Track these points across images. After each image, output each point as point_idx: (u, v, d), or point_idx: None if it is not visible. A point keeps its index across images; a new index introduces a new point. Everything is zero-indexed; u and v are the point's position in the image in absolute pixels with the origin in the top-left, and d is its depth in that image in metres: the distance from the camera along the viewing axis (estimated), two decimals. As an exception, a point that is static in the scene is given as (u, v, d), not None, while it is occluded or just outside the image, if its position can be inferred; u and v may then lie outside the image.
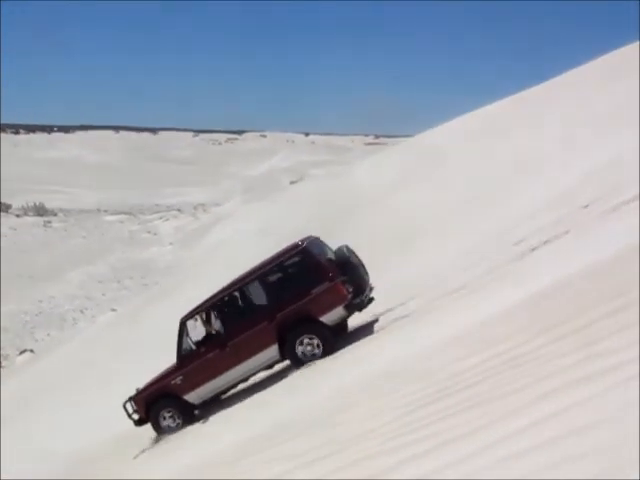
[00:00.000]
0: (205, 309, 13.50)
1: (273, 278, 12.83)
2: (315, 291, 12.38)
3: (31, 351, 31.74)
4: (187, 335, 13.53)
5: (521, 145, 25.72)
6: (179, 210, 58.41)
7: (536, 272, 10.73)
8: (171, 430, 13.59)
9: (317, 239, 13.46)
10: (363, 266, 13.31)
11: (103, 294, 37.96)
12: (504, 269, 13.24)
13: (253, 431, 10.12)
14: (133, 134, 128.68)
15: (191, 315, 13.63)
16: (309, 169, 73.16)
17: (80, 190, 71.08)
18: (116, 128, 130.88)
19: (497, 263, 14.20)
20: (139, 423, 14.07)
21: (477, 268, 14.74)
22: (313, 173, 65.54)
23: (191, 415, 13.63)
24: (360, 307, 13.00)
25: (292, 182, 60.25)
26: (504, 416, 4.60)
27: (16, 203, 58.31)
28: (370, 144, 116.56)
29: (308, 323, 12.47)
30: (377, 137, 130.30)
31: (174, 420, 13.67)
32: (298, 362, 12.58)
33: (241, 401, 14.31)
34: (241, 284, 13.19)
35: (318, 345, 12.48)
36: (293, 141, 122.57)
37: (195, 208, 59.31)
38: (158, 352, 22.89)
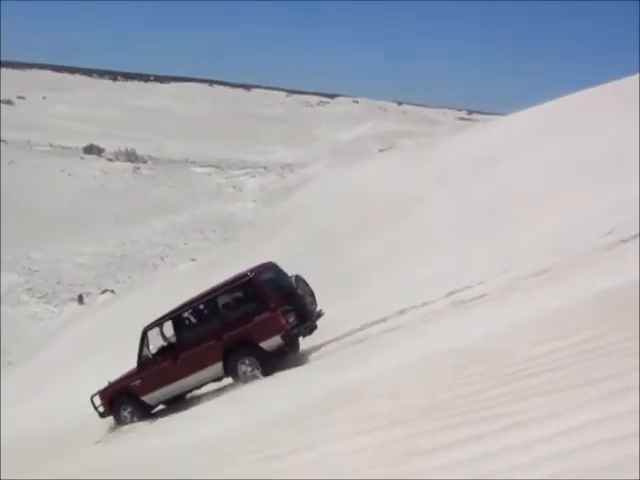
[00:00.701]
0: (163, 322, 14.69)
1: (223, 302, 13.89)
2: (257, 319, 13.48)
3: (112, 291, 32.70)
4: (147, 343, 14.76)
5: (616, 137, 24.71)
6: (265, 168, 58.82)
7: (623, 264, 10.44)
8: (130, 421, 15.05)
9: (274, 266, 14.55)
10: (311, 295, 14.18)
11: (185, 243, 38.71)
12: (590, 258, 12.94)
13: (319, 392, 10.21)
14: (227, 89, 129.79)
15: (152, 326, 14.82)
16: (398, 139, 72.45)
17: (171, 140, 72.24)
18: (210, 82, 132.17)
19: (585, 251, 13.88)
20: (102, 415, 15.50)
21: (562, 254, 14.45)
22: (402, 143, 64.95)
23: (147, 413, 14.92)
24: (299, 335, 14.08)
25: (381, 150, 59.89)
26: (578, 406, 4.52)
27: (109, 147, 59.71)
28: (462, 119, 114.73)
29: (249, 347, 13.51)
30: (470, 113, 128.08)
31: (131, 417, 15.04)
32: (239, 380, 13.61)
33: (309, 362, 14.48)
34: (196, 304, 14.31)
35: (257, 367, 13.50)
36: (385, 109, 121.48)
37: (282, 167, 59.63)
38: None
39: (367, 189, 31.28)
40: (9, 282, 32.87)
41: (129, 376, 15.09)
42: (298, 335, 14.06)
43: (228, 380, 14.72)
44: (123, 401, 15.04)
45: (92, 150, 59.57)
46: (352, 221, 27.97)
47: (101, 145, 59.95)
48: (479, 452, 4.50)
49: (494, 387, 6.02)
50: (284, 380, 13.77)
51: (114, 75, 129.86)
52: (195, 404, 14.54)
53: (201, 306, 14.27)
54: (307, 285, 14.22)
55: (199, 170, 57.11)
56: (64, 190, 47.44)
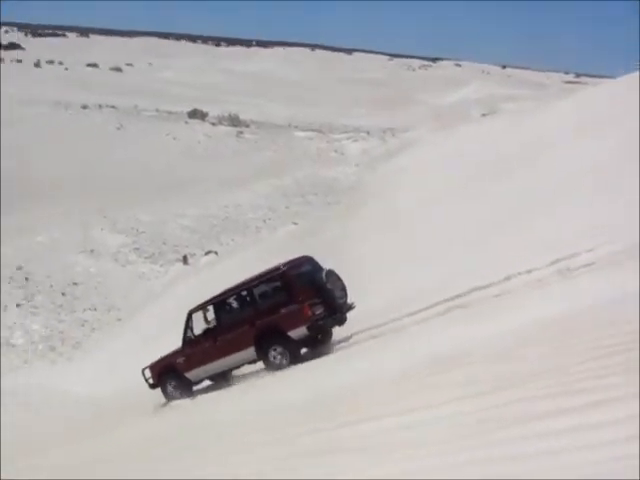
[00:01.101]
0: (207, 306, 15.88)
1: (258, 291, 15.04)
2: (286, 309, 14.47)
3: (215, 253, 33.32)
4: (191, 325, 15.95)
5: None
6: (367, 132, 58.52)
7: None
8: (174, 397, 16.14)
9: (309, 260, 15.51)
10: (342, 289, 15.03)
11: (287, 207, 39.02)
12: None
13: (422, 357, 10.14)
14: (328, 53, 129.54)
15: (196, 309, 16.13)
16: (502, 103, 70.71)
17: (273, 104, 72.79)
18: (312, 46, 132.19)
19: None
20: (152, 387, 16.77)
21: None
22: (505, 107, 63.33)
23: (189, 389, 16.10)
24: (325, 327, 14.96)
25: (483, 114, 58.65)
26: None
27: (212, 112, 60.61)
28: (569, 82, 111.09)
29: (278, 335, 14.48)
30: (578, 76, 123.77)
31: (176, 390, 16.22)
32: (270, 365, 14.61)
33: (412, 326, 14.43)
34: (235, 292, 15.57)
35: (286, 354, 14.46)
36: (488, 73, 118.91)
37: (384, 132, 59.19)
38: (336, 267, 23.45)
39: (469, 153, 30.76)
40: (118, 242, 33.94)
41: (175, 353, 16.30)
42: (324, 326, 14.89)
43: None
44: (169, 376, 16.26)
45: (196, 115, 60.61)
46: (454, 185, 27.59)
47: (205, 110, 60.92)
48: (580, 423, 4.36)
49: (599, 357, 5.81)
50: (385, 344, 13.79)
51: (218, 41, 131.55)
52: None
53: (239, 294, 15.44)
54: (339, 280, 15.04)
55: (301, 134, 57.32)
56: (169, 154, 48.54)
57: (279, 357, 14.51)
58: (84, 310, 29.26)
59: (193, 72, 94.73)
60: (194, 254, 33.44)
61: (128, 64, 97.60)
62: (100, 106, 61.75)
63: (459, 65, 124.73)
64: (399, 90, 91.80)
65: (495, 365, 7.41)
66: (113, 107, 62.20)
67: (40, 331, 27.89)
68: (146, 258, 33.02)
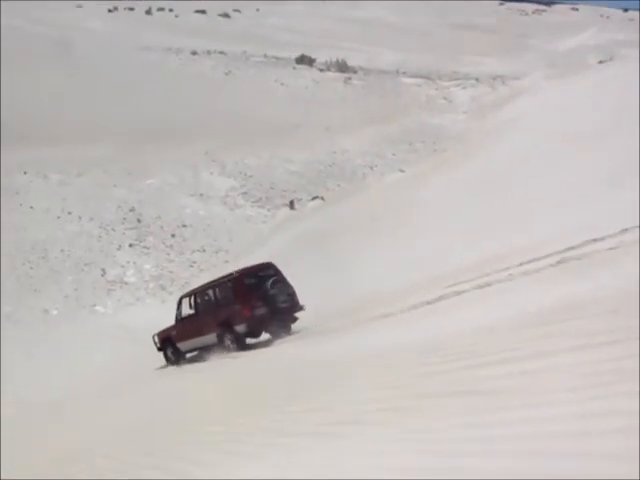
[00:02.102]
0: (191, 295, 19.23)
1: (220, 291, 18.16)
2: (233, 309, 17.47)
3: (322, 198, 33.44)
4: (181, 307, 19.20)
5: None
6: (477, 79, 57.08)
7: None
8: (172, 361, 19.51)
9: (267, 267, 18.32)
10: (288, 294, 17.69)
11: (393, 154, 38.69)
12: None
13: (534, 307, 9.87)
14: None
15: (184, 296, 19.60)
16: (621, 49, 67.51)
17: (381, 50, 71.79)
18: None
19: None
20: (158, 350, 19.84)
21: None
22: (625, 53, 60.44)
23: (182, 356, 19.31)
24: (264, 325, 17.64)
25: (600, 61, 56.21)
26: None
27: (320, 58, 60.32)
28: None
29: (229, 327, 17.52)
30: None
31: (173, 356, 19.51)
32: (224, 349, 17.42)
33: (524, 276, 14.07)
34: (207, 288, 18.82)
35: (234, 341, 17.43)
36: (608, 17, 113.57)
37: (494, 79, 57.57)
38: (442, 217, 23.15)
39: (584, 102, 29.56)
40: (227, 186, 34.52)
41: (171, 327, 19.45)
42: (263, 325, 17.62)
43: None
44: (168, 344, 19.55)
45: (304, 60, 60.48)
46: (569, 137, 26.58)
47: (313, 56, 60.69)
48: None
49: None
50: (497, 291, 13.52)
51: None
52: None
53: (209, 291, 18.59)
54: (286, 286, 17.68)
55: (409, 81, 56.44)
56: (277, 99, 48.72)
57: (229, 343, 17.54)
58: (193, 251, 29.99)
59: (301, 18, 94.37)
60: (300, 199, 33.65)
61: (236, 10, 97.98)
62: (209, 52, 62.38)
63: (576, 9, 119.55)
64: (511, 36, 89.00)
65: (609, 318, 7.07)
66: (222, 53, 62.72)
67: (151, 271, 28.80)
68: (254, 202, 33.47)
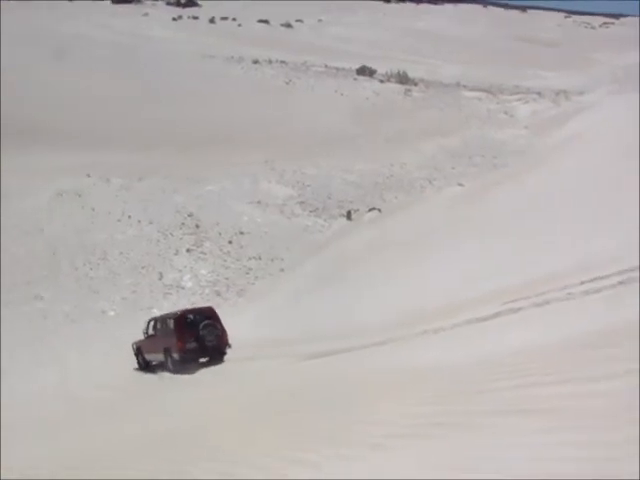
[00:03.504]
0: (154, 319, 22.52)
1: (167, 323, 21.55)
2: (173, 339, 20.81)
3: (379, 210, 33.38)
4: (149, 327, 22.27)
5: None
6: (539, 94, 56.39)
7: None
8: (142, 368, 22.37)
9: (207, 310, 22.04)
10: (216, 336, 20.85)
11: (452, 167, 38.45)
12: None
13: (596, 326, 9.71)
14: (501, 11, 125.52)
15: (151, 319, 22.66)
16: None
17: (442, 63, 71.53)
18: (484, 3, 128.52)
19: None
20: (135, 356, 22.58)
21: None
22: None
23: (148, 365, 22.17)
24: (194, 357, 20.85)
25: (670, 77, 54.98)
26: None
27: (381, 69, 60.35)
28: None
29: (169, 353, 20.96)
30: None
31: (142, 363, 22.39)
32: (167, 368, 21.10)
33: (586, 295, 13.85)
34: (163, 317, 22.27)
35: (173, 364, 20.88)
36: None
37: (557, 94, 56.77)
38: (501, 232, 22.88)
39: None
40: (285, 195, 34.73)
41: (142, 340, 22.29)
42: (193, 357, 20.78)
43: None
44: (139, 352, 22.44)
45: (364, 71, 60.60)
46: (633, 153, 26.03)
47: (373, 67, 60.76)
48: None
49: None
50: (555, 310, 13.34)
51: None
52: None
53: (162, 321, 21.95)
54: (215, 329, 20.89)
55: (470, 94, 56.07)
56: (337, 110, 48.86)
57: (170, 365, 20.92)
58: (249, 259, 30.22)
59: (362, 29, 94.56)
60: (357, 210, 33.65)
61: (298, 20, 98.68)
62: (270, 61, 62.94)
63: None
64: (576, 50, 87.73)
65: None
66: (283, 62, 63.23)
67: (207, 276, 29.11)
68: (311, 211, 33.59)
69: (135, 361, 22.57)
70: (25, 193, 33.11)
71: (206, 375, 20.00)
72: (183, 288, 28.40)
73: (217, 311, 25.47)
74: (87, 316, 25.93)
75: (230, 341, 21.98)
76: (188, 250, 30.40)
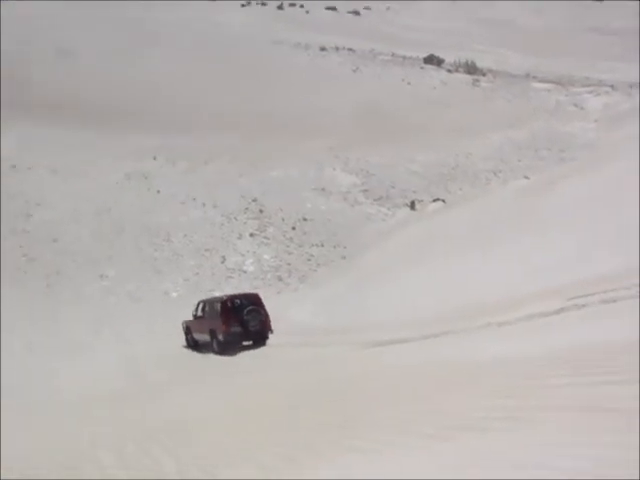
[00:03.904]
0: (203, 302, 23.43)
1: (214, 306, 22.58)
2: (219, 321, 21.90)
3: (443, 201, 33.16)
4: (198, 308, 23.26)
5: None
6: (612, 86, 55.02)
7: None
8: (191, 346, 23.53)
9: (252, 296, 22.91)
10: (259, 321, 21.84)
11: (519, 160, 37.91)
12: None
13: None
14: (575, 1, 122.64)
15: (201, 301, 23.59)
16: None
17: (511, 53, 70.31)
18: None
19: None
20: (185, 335, 23.80)
21: None
22: None
23: (195, 344, 23.32)
24: (237, 341, 21.97)
25: None
26: None
27: (449, 58, 59.68)
28: None
29: (215, 334, 22.06)
30: None
31: (191, 342, 23.55)
32: (213, 348, 22.24)
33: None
34: (210, 301, 23.25)
35: (218, 345, 22.02)
36: None
37: (630, 87, 55.30)
38: (567, 227, 22.51)
39: None
40: (349, 183, 34.77)
41: (191, 321, 23.44)
42: (236, 341, 21.87)
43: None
44: (188, 331, 23.59)
45: (432, 60, 60.00)
46: None
47: (441, 56, 60.13)
48: None
49: None
50: (622, 308, 13.10)
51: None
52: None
53: (210, 304, 22.95)
54: (258, 315, 21.84)
55: (539, 85, 55.00)
56: (403, 98, 48.55)
57: (215, 346, 22.01)
58: (312, 245, 30.38)
59: (431, 17, 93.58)
60: (421, 200, 33.49)
61: (366, 8, 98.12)
62: (337, 48, 62.79)
63: None
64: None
65: None
66: (350, 50, 63.01)
67: (270, 261, 29.38)
68: (374, 200, 33.57)
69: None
70: (95, 173, 33.83)
71: (263, 360, 20.21)
72: (245, 272, 28.72)
73: (278, 296, 25.81)
74: (150, 296, 26.44)
75: (290, 327, 22.33)
76: (251, 234, 30.69)
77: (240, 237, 30.52)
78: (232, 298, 22.71)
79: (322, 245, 30.40)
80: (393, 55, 63.06)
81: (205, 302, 23.28)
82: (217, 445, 8.99)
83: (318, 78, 51.29)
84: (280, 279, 28.40)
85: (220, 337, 21.70)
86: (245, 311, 21.68)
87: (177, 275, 28.49)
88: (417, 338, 16.70)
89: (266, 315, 21.89)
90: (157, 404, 15.64)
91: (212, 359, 21.57)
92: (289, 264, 29.25)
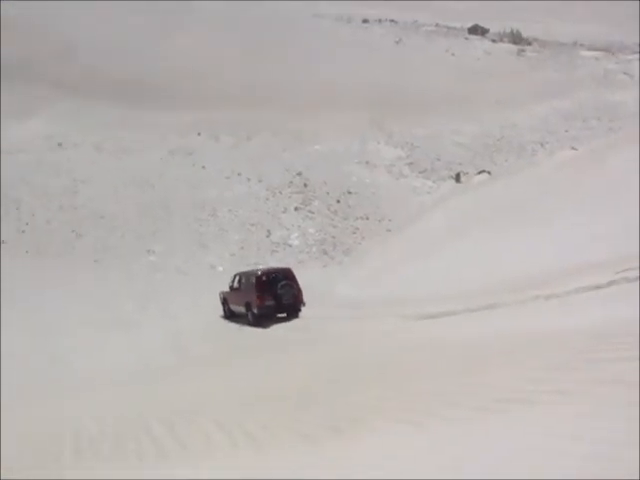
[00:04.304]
0: (239, 275, 24.04)
1: (250, 279, 23.17)
2: (254, 295, 22.55)
3: (488, 173, 32.83)
4: (234, 280, 23.92)
5: None
6: (663, 54, 53.76)
7: None
8: (227, 317, 24.20)
9: (285, 271, 23.40)
10: (292, 295, 22.36)
11: (566, 130, 37.28)
12: None
13: None
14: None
15: (237, 274, 24.22)
16: None
17: (558, 21, 68.91)
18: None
19: None
20: (222, 305, 24.49)
21: None
22: None
23: (232, 314, 23.92)
24: (271, 313, 22.55)
25: None
26: None
27: (493, 28, 58.76)
28: None
29: (250, 307, 22.77)
30: None
31: (227, 312, 24.20)
32: (248, 321, 22.87)
33: None
34: (247, 274, 23.76)
35: (252, 317, 22.75)
36: None
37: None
38: (615, 199, 22.12)
39: None
40: (393, 155, 34.60)
41: (227, 292, 24.22)
42: (270, 312, 22.50)
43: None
44: (225, 302, 24.30)
45: (476, 31, 59.16)
46: None
47: (486, 26, 59.21)
48: None
49: None
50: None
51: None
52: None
53: (245, 277, 23.63)
54: (291, 289, 22.43)
55: (587, 54, 53.89)
56: (447, 70, 47.97)
57: (250, 317, 22.75)
58: (356, 218, 30.36)
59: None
60: (467, 172, 33.19)
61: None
62: (380, 20, 62.19)
63: None
64: None
65: None
66: (392, 21, 62.37)
67: (315, 235, 29.44)
68: (419, 173, 33.36)
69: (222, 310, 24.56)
70: (141, 150, 34.15)
71: (308, 334, 20.29)
72: (290, 246, 28.84)
73: (323, 270, 25.88)
74: (197, 270, 26.69)
75: (336, 300, 22.43)
76: (296, 208, 30.77)
77: (285, 211, 30.62)
78: (267, 273, 23.45)
79: (367, 218, 30.37)
80: (437, 26, 62.31)
81: (241, 275, 24.00)
82: (263, 418, 9.08)
83: (361, 51, 50.87)
84: (325, 252, 28.47)
85: (255, 310, 22.52)
86: (279, 285, 22.45)
87: (223, 249, 28.71)
88: (464, 311, 16.62)
89: (298, 289, 22.59)
90: (202, 378, 15.84)
91: (258, 333, 21.73)
92: (334, 237, 29.28)
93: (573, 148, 33.85)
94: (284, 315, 22.61)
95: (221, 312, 24.07)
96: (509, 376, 7.52)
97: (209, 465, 7.54)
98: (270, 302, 22.45)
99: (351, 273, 26.12)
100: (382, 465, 5.54)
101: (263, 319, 22.52)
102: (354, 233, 29.58)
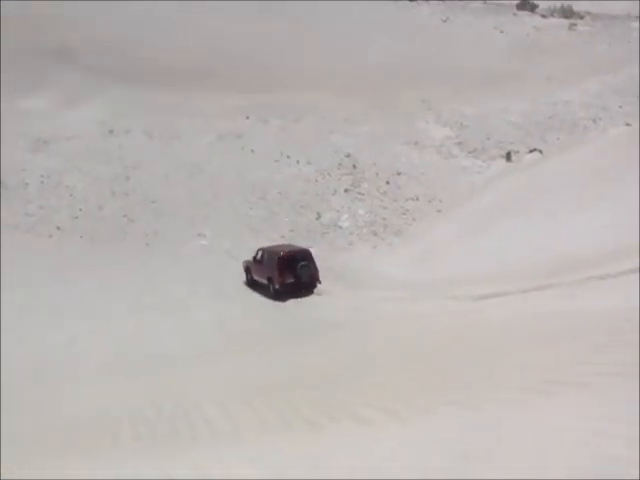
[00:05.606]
0: (262, 250, 25.63)
1: (272, 257, 24.93)
2: (275, 273, 24.53)
3: (540, 151, 32.30)
4: (257, 254, 25.62)
5: None
6: None
7: None
8: (249, 286, 26.03)
9: (304, 252, 25.15)
10: (309, 274, 24.41)
11: (620, 106, 36.40)
12: None
13: None
14: None
15: (260, 249, 25.76)
16: None
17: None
18: None
19: None
20: (245, 274, 26.42)
21: None
22: None
23: (253, 283, 25.88)
24: (290, 289, 24.41)
25: None
26: None
27: (543, 3, 57.62)
28: None
29: (272, 282, 24.75)
30: None
31: (249, 282, 26.08)
32: (270, 294, 24.82)
33: None
34: (270, 251, 25.38)
35: (274, 292, 24.65)
36: None
37: None
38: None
39: None
40: (442, 135, 34.23)
41: (250, 262, 26.05)
42: (290, 289, 24.46)
43: None
44: (248, 272, 26.15)
45: (526, 6, 58.08)
46: None
47: (535, 1, 58.12)
48: None
49: None
50: None
51: None
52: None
53: (267, 254, 25.31)
54: (308, 269, 24.42)
55: (640, 26, 52.56)
56: (496, 47, 47.27)
57: (272, 291, 24.69)
58: (406, 199, 30.18)
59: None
60: (517, 151, 32.69)
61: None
62: (427, -1, 61.52)
63: None
64: None
65: None
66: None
67: (364, 216, 29.37)
68: (469, 152, 32.99)
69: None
70: (190, 135, 34.39)
71: (361, 314, 20.33)
72: (340, 228, 28.82)
73: (373, 251, 25.99)
74: (247, 254, 26.78)
75: (387, 282, 22.51)
76: (346, 190, 30.71)
77: (334, 193, 30.59)
78: (288, 254, 25.27)
79: (417, 199, 30.17)
80: (485, 2, 61.34)
81: (264, 251, 25.83)
82: (318, 400, 9.14)
83: (408, 30, 50.38)
84: (375, 234, 28.40)
85: (276, 286, 24.71)
86: (299, 265, 24.57)
87: (273, 232, 28.82)
88: (518, 291, 16.46)
89: (315, 269, 24.75)
90: (252, 362, 15.99)
91: (307, 317, 21.83)
92: (384, 219, 29.18)
93: (627, 124, 33.15)
94: (300, 292, 24.49)
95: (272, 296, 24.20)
96: (559, 357, 7.46)
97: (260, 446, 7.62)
98: (290, 280, 24.64)
99: (401, 254, 26.04)
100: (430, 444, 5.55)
101: (283, 294, 24.55)
102: (404, 214, 29.41)
